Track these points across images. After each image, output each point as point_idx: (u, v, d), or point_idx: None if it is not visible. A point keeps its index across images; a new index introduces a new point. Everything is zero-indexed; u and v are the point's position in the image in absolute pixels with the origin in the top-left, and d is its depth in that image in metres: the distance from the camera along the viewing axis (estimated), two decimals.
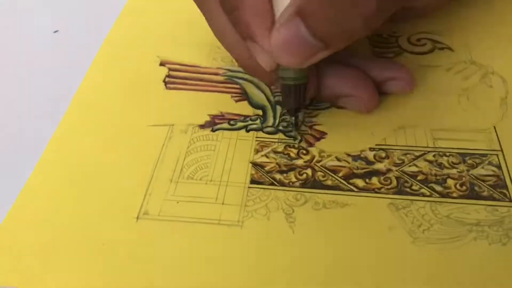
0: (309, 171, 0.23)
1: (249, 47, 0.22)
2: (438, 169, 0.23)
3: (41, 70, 0.30)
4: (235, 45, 0.24)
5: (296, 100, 0.23)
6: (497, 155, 0.23)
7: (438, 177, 0.23)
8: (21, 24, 0.34)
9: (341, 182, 0.23)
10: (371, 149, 0.24)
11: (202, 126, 0.26)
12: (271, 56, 0.21)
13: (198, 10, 0.26)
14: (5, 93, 0.29)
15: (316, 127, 0.25)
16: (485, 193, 0.22)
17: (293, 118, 0.24)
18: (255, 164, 0.24)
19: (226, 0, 0.22)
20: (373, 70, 0.25)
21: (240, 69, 0.29)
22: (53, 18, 0.34)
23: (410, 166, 0.23)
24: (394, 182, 0.22)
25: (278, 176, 0.23)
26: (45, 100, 0.28)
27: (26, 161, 0.24)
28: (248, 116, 0.26)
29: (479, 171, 0.23)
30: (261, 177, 0.23)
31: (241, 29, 0.22)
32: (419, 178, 0.23)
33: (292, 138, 0.25)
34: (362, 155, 0.24)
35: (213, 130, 0.25)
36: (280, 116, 0.26)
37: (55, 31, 0.33)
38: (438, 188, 0.22)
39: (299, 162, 0.24)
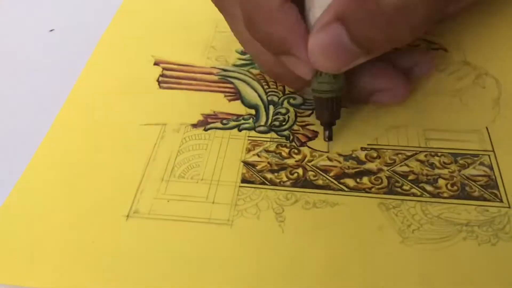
0: (300, 171, 0.23)
1: (284, 62, 0.22)
2: (429, 169, 0.23)
3: (36, 68, 0.30)
4: (260, 53, 0.24)
5: (331, 114, 0.23)
6: (488, 155, 0.23)
7: (429, 177, 0.23)
8: (16, 23, 0.34)
9: (332, 182, 0.23)
10: (362, 148, 0.24)
11: (194, 125, 0.26)
12: (308, 64, 0.21)
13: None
14: None
15: (308, 127, 0.25)
16: (476, 193, 0.22)
17: (326, 132, 0.24)
18: (246, 163, 0.24)
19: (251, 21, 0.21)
20: (398, 58, 0.25)
21: (234, 68, 0.29)
22: (49, 17, 0.35)
23: (401, 166, 0.23)
24: (385, 182, 0.22)
25: (269, 176, 0.23)
26: (40, 99, 0.28)
27: (20, 158, 0.24)
28: (240, 115, 0.26)
29: (470, 171, 0.23)
30: (252, 176, 0.23)
31: (275, 46, 0.21)
32: (410, 178, 0.23)
33: (286, 140, 0.25)
34: (353, 155, 0.24)
35: (205, 129, 0.25)
36: (273, 116, 0.26)
37: (51, 30, 0.33)
38: (429, 188, 0.22)
39: (291, 161, 0.24)
